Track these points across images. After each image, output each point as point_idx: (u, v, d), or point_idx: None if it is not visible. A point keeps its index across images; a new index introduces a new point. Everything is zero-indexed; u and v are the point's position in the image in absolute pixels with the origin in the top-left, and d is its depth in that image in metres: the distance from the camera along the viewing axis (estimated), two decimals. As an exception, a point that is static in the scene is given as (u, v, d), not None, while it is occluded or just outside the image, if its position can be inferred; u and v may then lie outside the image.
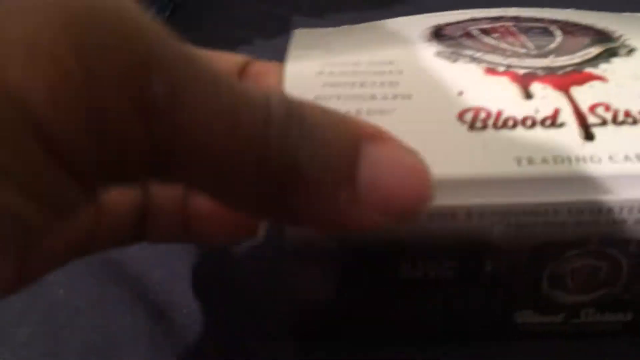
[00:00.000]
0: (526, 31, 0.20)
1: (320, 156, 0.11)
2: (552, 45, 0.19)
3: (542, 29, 0.20)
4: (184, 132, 0.10)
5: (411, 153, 0.12)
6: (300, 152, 0.11)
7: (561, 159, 0.15)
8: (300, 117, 0.11)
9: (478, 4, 0.22)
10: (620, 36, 0.19)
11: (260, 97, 0.11)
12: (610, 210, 0.15)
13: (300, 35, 0.19)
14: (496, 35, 0.19)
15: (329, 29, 0.21)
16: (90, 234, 0.16)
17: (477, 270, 0.16)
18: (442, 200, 0.14)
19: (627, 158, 0.15)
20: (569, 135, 0.15)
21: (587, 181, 0.15)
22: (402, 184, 0.12)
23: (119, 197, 0.16)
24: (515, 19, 0.20)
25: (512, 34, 0.19)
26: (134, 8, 0.10)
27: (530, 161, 0.15)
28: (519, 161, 0.15)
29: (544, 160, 0.15)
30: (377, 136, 0.12)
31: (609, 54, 0.18)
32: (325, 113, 0.12)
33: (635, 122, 0.16)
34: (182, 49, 0.10)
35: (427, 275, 0.16)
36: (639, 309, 0.17)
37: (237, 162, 0.11)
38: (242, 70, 0.18)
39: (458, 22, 0.20)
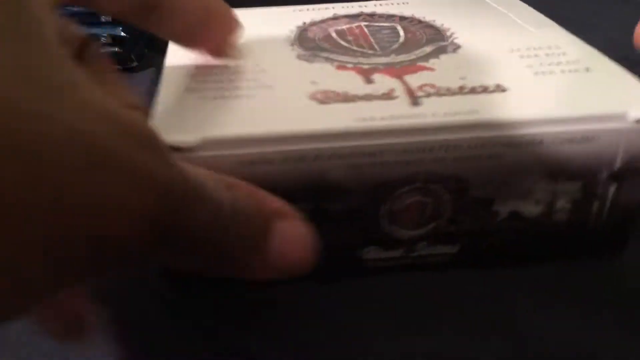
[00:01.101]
0: (375, 33, 0.25)
1: (241, 235, 0.15)
2: (395, 46, 0.24)
3: (390, 29, 0.26)
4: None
5: (306, 226, 0.17)
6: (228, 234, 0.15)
7: (393, 116, 0.19)
8: (232, 209, 0.15)
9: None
10: (452, 35, 0.25)
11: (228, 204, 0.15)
12: (431, 149, 0.19)
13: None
14: (350, 37, 0.25)
15: None
16: None
17: (327, 210, 0.20)
18: (293, 146, 0.19)
19: (446, 114, 0.19)
20: (401, 104, 0.20)
21: (413, 130, 0.19)
22: (302, 254, 0.17)
23: None
24: (371, 16, 0.27)
25: (364, 35, 0.25)
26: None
27: (369, 119, 0.19)
28: (359, 120, 0.19)
29: (381, 118, 0.19)
30: (282, 212, 0.17)
31: (439, 51, 0.24)
32: (242, 197, 0.16)
33: (453, 94, 0.20)
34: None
35: None
36: (464, 242, 0.21)
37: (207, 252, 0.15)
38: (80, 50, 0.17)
39: (321, 21, 0.26)
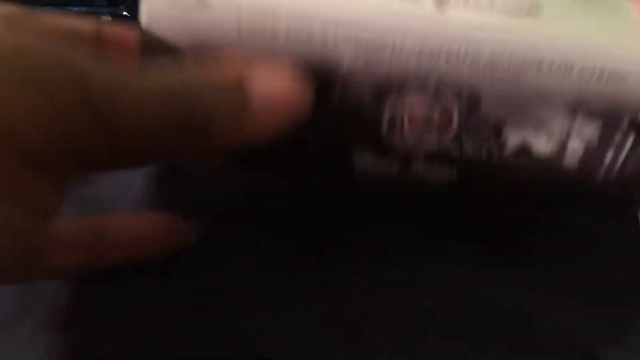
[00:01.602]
0: None
1: (222, 109, 0.16)
2: None
3: None
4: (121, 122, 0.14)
5: (287, 73, 0.17)
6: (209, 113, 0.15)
7: (414, 16, 0.18)
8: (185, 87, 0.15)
9: None
10: None
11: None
12: (449, 53, 0.18)
13: None
14: None
15: None
16: None
17: (326, 98, 0.18)
18: (301, 24, 0.17)
19: (470, 22, 0.18)
20: (426, 6, 0.18)
21: (433, 28, 0.17)
22: (287, 104, 0.17)
23: None
24: None
25: None
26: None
27: (389, 12, 0.18)
28: (376, 11, 0.18)
29: (401, 16, 0.18)
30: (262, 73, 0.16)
31: None
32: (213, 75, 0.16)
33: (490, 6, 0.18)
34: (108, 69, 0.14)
35: None
36: (464, 172, 0.20)
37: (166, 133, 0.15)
38: (98, 38, 0.20)
39: None
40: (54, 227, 0.17)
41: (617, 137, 0.19)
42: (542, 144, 0.19)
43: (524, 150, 0.19)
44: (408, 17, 0.18)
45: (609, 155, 0.20)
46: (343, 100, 0.18)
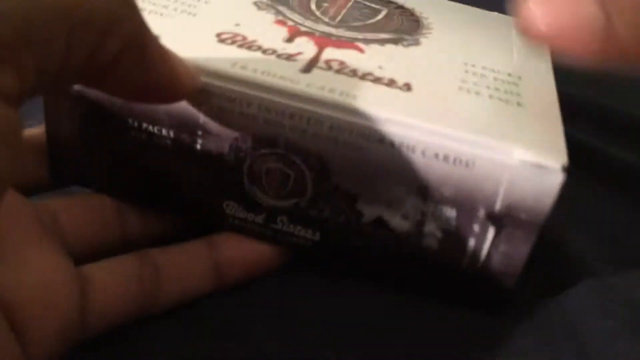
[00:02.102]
0: (356, 8, 0.25)
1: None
2: (358, 23, 0.23)
3: (373, 10, 0.25)
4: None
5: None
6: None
7: (270, 73, 0.18)
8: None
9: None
10: (424, 34, 0.24)
11: None
12: (292, 116, 0.18)
13: None
14: (327, 4, 0.24)
15: None
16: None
17: (191, 145, 0.19)
18: None
19: (320, 88, 0.18)
20: (291, 67, 0.19)
21: (282, 89, 0.18)
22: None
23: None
24: None
25: (340, 6, 0.25)
26: None
27: (244, 67, 0.19)
28: (234, 64, 0.19)
29: (255, 71, 0.18)
30: None
31: (393, 41, 0.22)
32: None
33: (353, 76, 0.19)
34: None
35: (150, 139, 0.20)
36: (326, 231, 0.20)
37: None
38: None
39: None
40: (93, 270, 0.19)
41: (476, 228, 0.19)
42: (397, 221, 0.19)
43: (381, 223, 0.19)
44: (258, 74, 0.19)
45: (471, 244, 0.19)
46: (206, 149, 0.19)
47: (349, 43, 0.22)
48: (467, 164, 0.18)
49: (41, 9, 0.12)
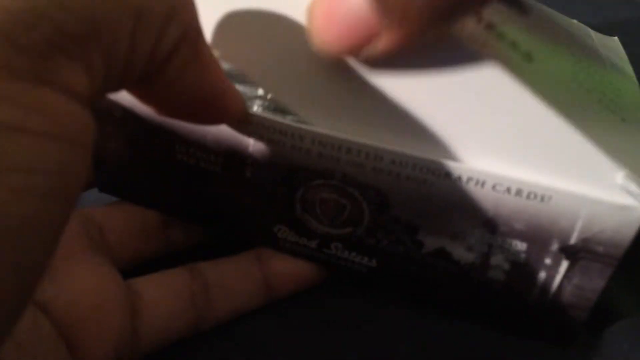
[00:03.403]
0: None
1: None
2: None
3: None
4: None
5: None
6: None
7: None
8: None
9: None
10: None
11: None
12: (349, 150, 0.17)
13: None
14: None
15: None
16: None
17: (240, 173, 0.18)
18: None
19: None
20: None
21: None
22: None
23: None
24: None
25: None
26: None
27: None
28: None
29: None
30: None
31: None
32: None
33: None
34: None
35: (198, 164, 0.19)
36: (384, 260, 0.19)
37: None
38: None
39: None
40: (143, 285, 0.19)
41: (548, 260, 0.17)
42: (461, 252, 0.18)
43: (443, 254, 0.18)
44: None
45: (542, 276, 0.18)
46: (255, 177, 0.18)
47: None
48: (542, 199, 0.16)
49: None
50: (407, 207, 0.17)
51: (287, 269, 0.21)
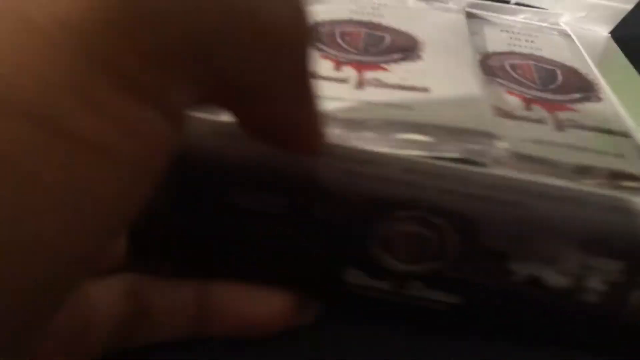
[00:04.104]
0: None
1: None
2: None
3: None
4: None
5: None
6: None
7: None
8: None
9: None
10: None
11: None
12: (438, 176, 0.16)
13: None
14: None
15: None
16: None
17: (307, 213, 0.17)
18: None
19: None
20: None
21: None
22: None
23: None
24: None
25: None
26: None
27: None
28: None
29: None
30: None
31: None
32: None
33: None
34: None
35: (257, 208, 0.17)
36: (468, 293, 0.18)
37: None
38: None
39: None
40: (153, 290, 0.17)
41: None
42: (555, 279, 0.17)
43: (535, 282, 0.17)
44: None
45: (635, 295, 0.17)
46: (325, 214, 0.17)
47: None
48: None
49: (224, 11, 0.10)
50: (497, 234, 0.17)
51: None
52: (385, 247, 0.17)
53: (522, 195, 0.16)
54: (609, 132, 0.24)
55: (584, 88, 0.28)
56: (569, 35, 0.34)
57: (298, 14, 0.12)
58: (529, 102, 0.26)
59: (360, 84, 0.25)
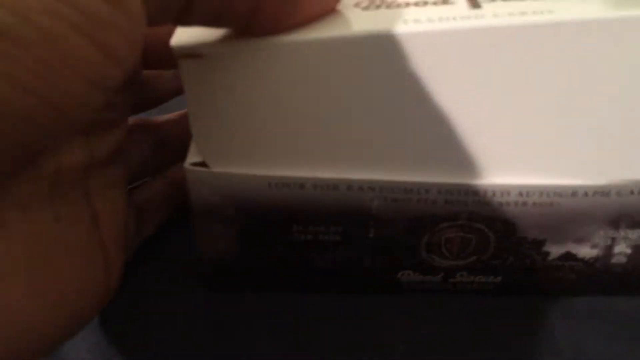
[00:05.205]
0: None
1: None
2: None
3: None
4: None
5: None
6: None
7: (447, 18, 0.15)
8: None
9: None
10: None
11: None
12: (476, 193, 0.17)
13: None
14: None
15: None
16: None
17: (362, 236, 0.19)
18: (326, 173, 0.17)
19: (511, 14, 0.15)
20: (457, 7, 0.16)
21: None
22: None
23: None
24: None
25: None
26: None
27: (417, 21, 0.15)
28: (405, 22, 0.15)
29: (430, 20, 0.15)
30: None
31: None
32: None
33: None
34: None
35: (317, 238, 0.19)
36: (507, 273, 0.20)
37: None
38: None
39: None
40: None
41: None
42: (586, 251, 0.19)
43: (569, 257, 0.19)
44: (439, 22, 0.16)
45: None
46: (378, 236, 0.19)
47: None
48: None
49: None
50: (532, 229, 0.18)
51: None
52: (433, 251, 0.19)
53: (555, 196, 0.17)
54: None
55: None
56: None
57: None
58: None
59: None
